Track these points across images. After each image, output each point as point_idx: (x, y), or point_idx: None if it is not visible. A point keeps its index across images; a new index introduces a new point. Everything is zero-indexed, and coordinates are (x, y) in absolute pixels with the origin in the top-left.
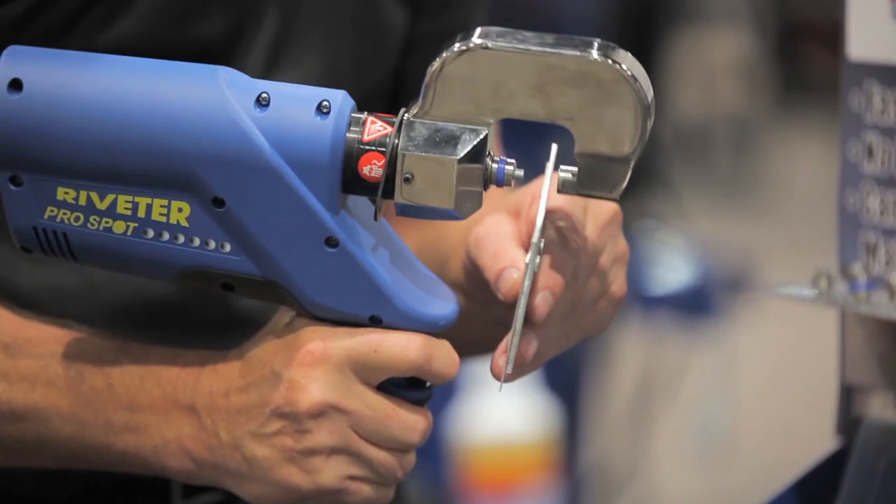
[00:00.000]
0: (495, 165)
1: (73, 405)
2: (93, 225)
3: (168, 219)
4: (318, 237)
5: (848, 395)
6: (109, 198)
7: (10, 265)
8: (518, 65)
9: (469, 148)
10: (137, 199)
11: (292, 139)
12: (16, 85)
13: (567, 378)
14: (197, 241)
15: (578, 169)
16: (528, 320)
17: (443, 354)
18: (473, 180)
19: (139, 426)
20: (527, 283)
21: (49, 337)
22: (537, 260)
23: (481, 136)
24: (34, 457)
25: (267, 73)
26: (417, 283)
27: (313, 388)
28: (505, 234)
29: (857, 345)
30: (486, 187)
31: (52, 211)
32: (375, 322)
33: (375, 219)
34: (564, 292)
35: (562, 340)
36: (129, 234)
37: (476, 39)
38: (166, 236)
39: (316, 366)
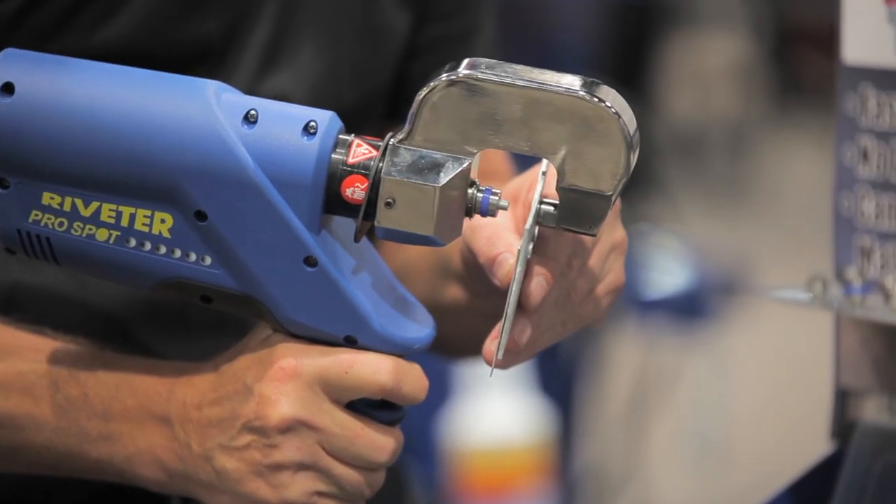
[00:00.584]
0: (480, 195)
1: (48, 413)
2: (76, 231)
3: (151, 229)
4: (297, 256)
5: (842, 398)
6: (94, 205)
7: (3, 265)
8: (504, 97)
9: (451, 176)
10: (122, 208)
11: (277, 158)
12: (7, 88)
13: (562, 381)
14: (178, 253)
15: (560, 202)
16: (522, 306)
17: (413, 378)
18: (454, 208)
19: (113, 435)
20: (519, 269)
21: (25, 345)
22: (530, 246)
23: (464, 166)
24: (8, 463)
25: (262, 73)
26: (396, 305)
27: (283, 404)
28: (500, 223)
29: (852, 348)
30: (469, 216)
31: (36, 215)
32: (350, 342)
33: (356, 240)
34: (559, 280)
35: (558, 329)
36: (111, 242)
37: (464, 70)
38: (148, 246)
39: (287, 382)
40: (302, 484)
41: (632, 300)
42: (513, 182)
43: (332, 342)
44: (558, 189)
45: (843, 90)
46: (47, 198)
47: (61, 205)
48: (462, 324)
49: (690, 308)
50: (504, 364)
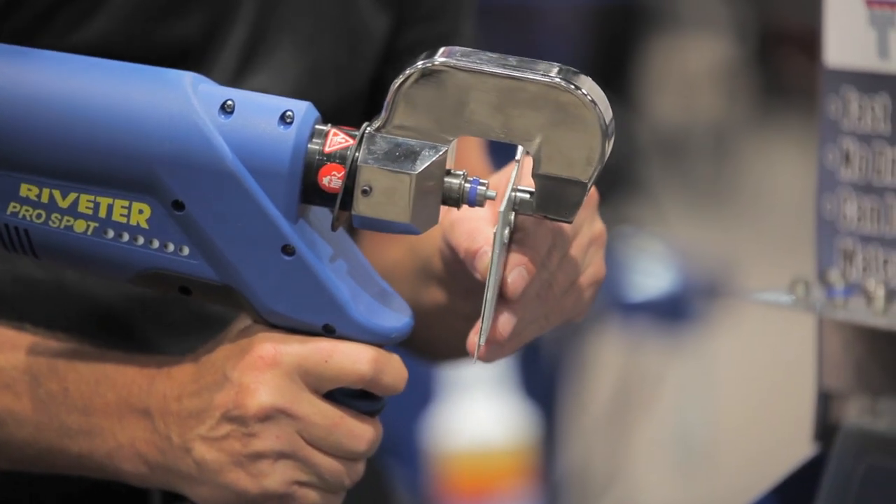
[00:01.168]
0: (468, 185)
1: (29, 409)
2: (54, 223)
3: (128, 220)
4: (274, 244)
5: (825, 401)
6: (71, 196)
7: None
8: (480, 85)
9: (427, 164)
10: (99, 199)
11: (254, 147)
12: None
13: (545, 383)
14: (156, 244)
15: (535, 190)
16: (504, 297)
17: (392, 368)
18: (431, 196)
19: (93, 429)
20: (497, 253)
21: (4, 340)
22: (506, 231)
23: (440, 153)
24: None
25: (241, 73)
26: (374, 295)
27: (262, 392)
28: (480, 215)
29: (834, 351)
30: (458, 206)
31: (14, 207)
32: (329, 331)
33: (333, 229)
34: (540, 271)
35: (541, 322)
36: (89, 233)
37: (439, 58)
38: (126, 237)
39: (266, 370)
40: (281, 473)
41: (615, 303)
42: (493, 177)
43: (311, 332)
44: (534, 176)
45: (826, 93)
46: (25, 189)
47: (39, 196)
48: (444, 326)
49: (673, 311)
50: (488, 357)
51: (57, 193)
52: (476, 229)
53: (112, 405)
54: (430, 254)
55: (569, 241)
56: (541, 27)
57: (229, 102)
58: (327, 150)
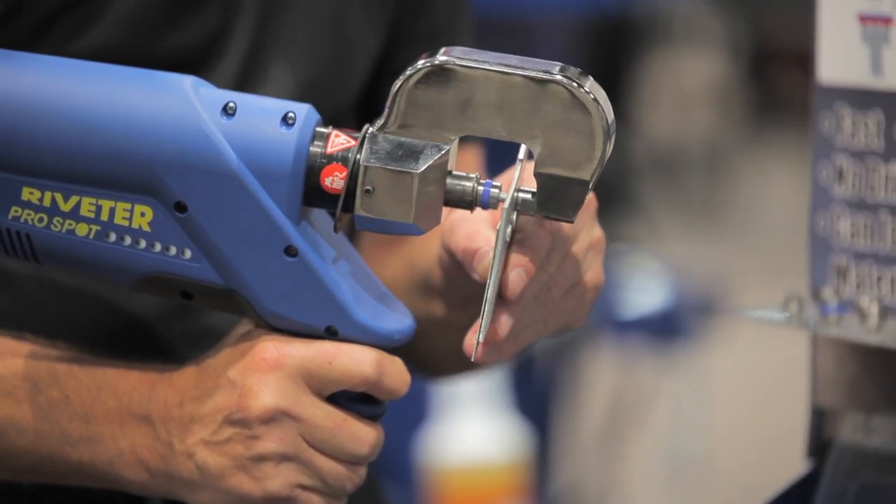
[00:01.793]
0: (481, 188)
1: (30, 416)
2: (56, 226)
3: (130, 223)
4: (277, 246)
5: (819, 417)
6: (73, 199)
7: None
8: (481, 83)
9: (430, 162)
10: (101, 201)
11: (257, 148)
12: None
13: (539, 400)
14: (158, 247)
15: (537, 188)
16: (502, 298)
17: (395, 371)
18: (434, 195)
19: (94, 437)
20: (499, 250)
21: (4, 349)
22: (508, 230)
23: (443, 152)
24: None
25: (238, 85)
26: (375, 297)
27: (265, 394)
28: (479, 218)
29: (828, 368)
30: (471, 209)
31: (16, 211)
32: (331, 333)
33: (335, 230)
34: (539, 273)
35: (539, 326)
36: (91, 236)
37: (441, 57)
38: (128, 240)
39: (269, 372)
40: (284, 476)
41: (609, 320)
42: (497, 180)
43: (314, 334)
44: (536, 175)
45: (819, 109)
46: (27, 193)
47: (41, 200)
48: (444, 339)
49: (667, 327)
50: (485, 358)
51: (59, 197)
52: (475, 231)
53: (113, 412)
54: (430, 266)
55: (568, 244)
56: (535, 43)
57: (231, 104)
58: (329, 150)
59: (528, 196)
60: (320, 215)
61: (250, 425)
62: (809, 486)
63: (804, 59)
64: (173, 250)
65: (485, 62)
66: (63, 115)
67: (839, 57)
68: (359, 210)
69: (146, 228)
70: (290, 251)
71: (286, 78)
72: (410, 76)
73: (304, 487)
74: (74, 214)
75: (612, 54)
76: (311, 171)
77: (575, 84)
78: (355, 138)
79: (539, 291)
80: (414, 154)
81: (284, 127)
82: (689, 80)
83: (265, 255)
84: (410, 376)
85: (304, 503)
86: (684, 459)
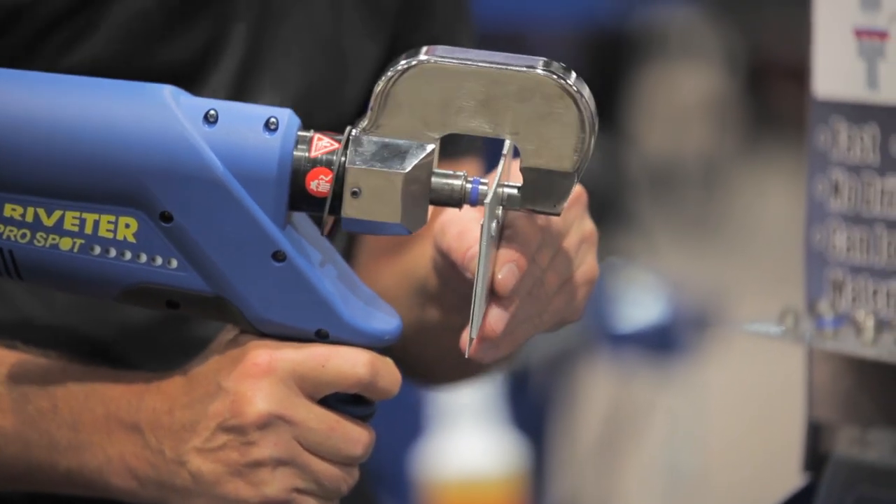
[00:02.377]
0: (469, 185)
1: (18, 425)
2: (39, 242)
3: (115, 235)
4: (265, 251)
5: (815, 431)
6: (57, 214)
7: None
8: (464, 80)
9: (416, 162)
10: (85, 215)
11: (240, 154)
12: None
13: (535, 414)
14: (143, 258)
15: (523, 183)
16: (496, 294)
17: (388, 371)
18: (420, 194)
19: (82, 445)
20: (484, 245)
21: None
22: (493, 225)
23: (428, 151)
24: None
25: (233, 98)
26: (362, 299)
27: (259, 399)
28: (469, 217)
29: (824, 381)
30: (459, 206)
31: None
32: (322, 337)
33: (323, 234)
34: (531, 267)
35: (535, 320)
36: (75, 250)
37: (423, 56)
38: (113, 253)
39: (262, 378)
40: (281, 480)
41: (604, 334)
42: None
43: (304, 338)
44: (521, 169)
45: (815, 123)
46: (9, 209)
47: (23, 216)
48: (440, 345)
49: (663, 341)
50: (481, 354)
51: (42, 212)
52: (466, 230)
53: (101, 420)
54: (426, 273)
55: (559, 238)
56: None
57: (212, 112)
58: (313, 154)
59: (514, 191)
60: (302, 219)
61: (245, 431)
62: (806, 500)
63: (800, 73)
64: (159, 260)
65: (467, 59)
66: (44, 130)
67: (835, 71)
68: (346, 212)
69: (131, 240)
70: (278, 256)
71: (280, 91)
72: (392, 76)
73: (300, 491)
74: (58, 229)
75: (609, 68)
76: (296, 175)
77: (555, 76)
78: (339, 141)
79: (532, 286)
80: (399, 154)
81: (267, 132)
82: (685, 94)
83: (253, 262)
84: (407, 386)
85: None
86: (681, 473)
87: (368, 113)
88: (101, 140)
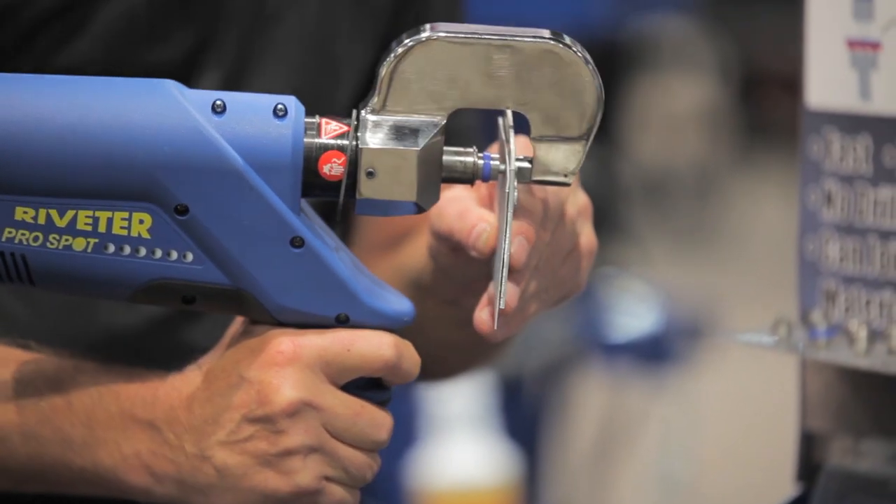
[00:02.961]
0: (481, 161)
1: (32, 423)
2: (52, 244)
3: (129, 231)
4: (283, 238)
5: (808, 441)
6: (69, 214)
7: None
8: (471, 54)
9: (428, 139)
10: (98, 213)
11: (253, 142)
12: None
13: (528, 423)
14: (159, 253)
15: (535, 155)
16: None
17: (410, 353)
18: (433, 171)
19: (97, 442)
20: (509, 216)
21: (7, 357)
22: (515, 193)
23: (439, 127)
24: None
25: None
26: (374, 283)
27: (286, 387)
28: (465, 196)
29: (817, 392)
30: (472, 183)
31: (10, 232)
32: (341, 322)
33: (338, 218)
34: (537, 241)
35: (542, 295)
36: (89, 250)
37: (427, 32)
38: (127, 250)
39: (287, 366)
40: (312, 468)
41: (598, 343)
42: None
43: (323, 324)
44: (532, 140)
45: (807, 134)
46: (20, 213)
47: (35, 218)
48: (435, 339)
49: (656, 351)
50: (497, 333)
51: (54, 213)
52: (465, 209)
53: (115, 417)
54: (421, 266)
55: (559, 211)
56: None
57: (219, 102)
58: (324, 138)
59: (526, 164)
60: (304, 206)
61: (274, 420)
62: None
63: (793, 83)
64: (174, 255)
65: (473, 33)
66: (54, 131)
67: (828, 81)
68: (361, 193)
69: (146, 235)
70: (296, 242)
71: (273, 91)
72: (399, 54)
73: (328, 479)
74: (71, 229)
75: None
76: (309, 160)
77: (561, 44)
78: (347, 123)
79: (539, 260)
80: (411, 132)
81: (277, 119)
82: (678, 104)
83: (271, 249)
84: (400, 394)
85: (329, 495)
86: (674, 482)
87: (376, 92)
88: (112, 137)
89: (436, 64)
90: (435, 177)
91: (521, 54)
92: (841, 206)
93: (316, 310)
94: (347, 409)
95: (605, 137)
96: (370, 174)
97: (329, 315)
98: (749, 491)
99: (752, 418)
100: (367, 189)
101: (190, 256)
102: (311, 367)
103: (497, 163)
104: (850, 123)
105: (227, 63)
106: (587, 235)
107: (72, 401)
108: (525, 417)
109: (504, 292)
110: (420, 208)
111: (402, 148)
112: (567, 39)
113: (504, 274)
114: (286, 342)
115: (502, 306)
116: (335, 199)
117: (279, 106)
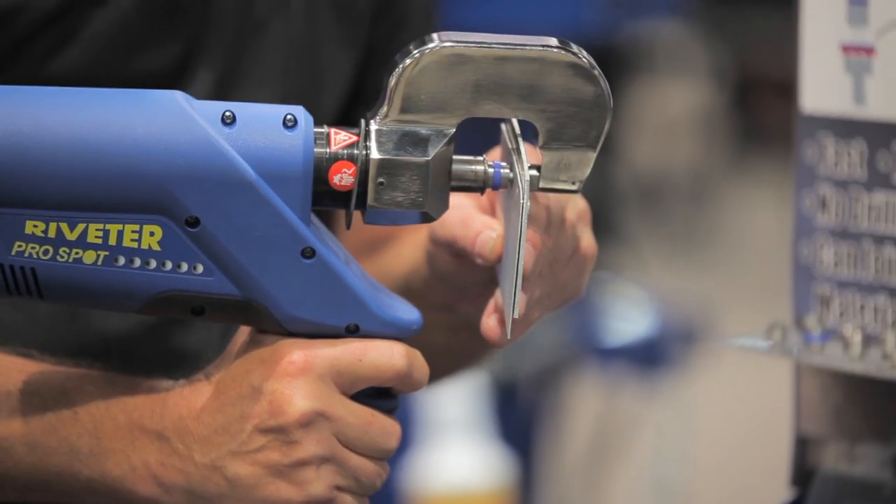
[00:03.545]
0: (491, 170)
1: (38, 433)
2: (62, 257)
3: (139, 244)
4: (294, 249)
5: (802, 446)
6: (80, 227)
7: None
8: (480, 63)
9: (438, 148)
10: (108, 226)
11: (263, 153)
12: None
13: (523, 428)
14: (169, 265)
15: (544, 163)
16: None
17: (420, 362)
18: (443, 180)
19: (105, 452)
20: (524, 224)
21: (12, 367)
22: (528, 202)
23: (448, 136)
24: None
25: None
26: (381, 291)
27: (299, 398)
28: (466, 204)
29: (811, 396)
30: (482, 191)
31: (19, 246)
32: (351, 332)
33: (348, 227)
34: (542, 247)
35: (545, 301)
36: (99, 263)
37: (436, 42)
38: (138, 262)
39: (299, 376)
40: (325, 478)
41: (592, 348)
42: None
43: (333, 334)
44: (542, 148)
45: (802, 138)
46: (31, 226)
47: (45, 231)
48: (425, 344)
49: (651, 356)
50: (501, 340)
51: (64, 226)
52: (469, 216)
53: (123, 427)
54: (408, 272)
55: (560, 216)
56: None
57: (228, 113)
58: (334, 148)
59: (535, 172)
60: (314, 217)
61: (287, 431)
62: None
63: (787, 88)
64: (185, 267)
65: (482, 42)
66: (64, 144)
67: (822, 86)
68: (372, 203)
69: (156, 248)
70: (307, 253)
71: (262, 98)
72: (408, 64)
73: (340, 489)
74: (81, 242)
75: None
76: (319, 170)
77: (577, 55)
78: (356, 133)
79: (542, 266)
80: (421, 142)
81: (287, 130)
82: (672, 109)
83: (283, 260)
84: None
85: None
86: (668, 488)
87: (385, 102)
88: (123, 150)
89: (446, 73)
90: (444, 186)
91: (529, 63)
92: (835, 210)
93: (326, 320)
94: (359, 418)
95: None
96: (381, 184)
97: (339, 325)
98: (744, 495)
99: (747, 423)
100: (377, 199)
101: (200, 268)
102: (323, 378)
103: (507, 171)
104: (845, 128)
105: (217, 69)
106: (587, 240)
107: (78, 411)
108: (520, 421)
109: (517, 301)
110: (429, 217)
111: (412, 158)
112: (574, 48)
113: (518, 283)
114: (298, 353)
115: (516, 315)
116: (344, 208)
117: (289, 116)
